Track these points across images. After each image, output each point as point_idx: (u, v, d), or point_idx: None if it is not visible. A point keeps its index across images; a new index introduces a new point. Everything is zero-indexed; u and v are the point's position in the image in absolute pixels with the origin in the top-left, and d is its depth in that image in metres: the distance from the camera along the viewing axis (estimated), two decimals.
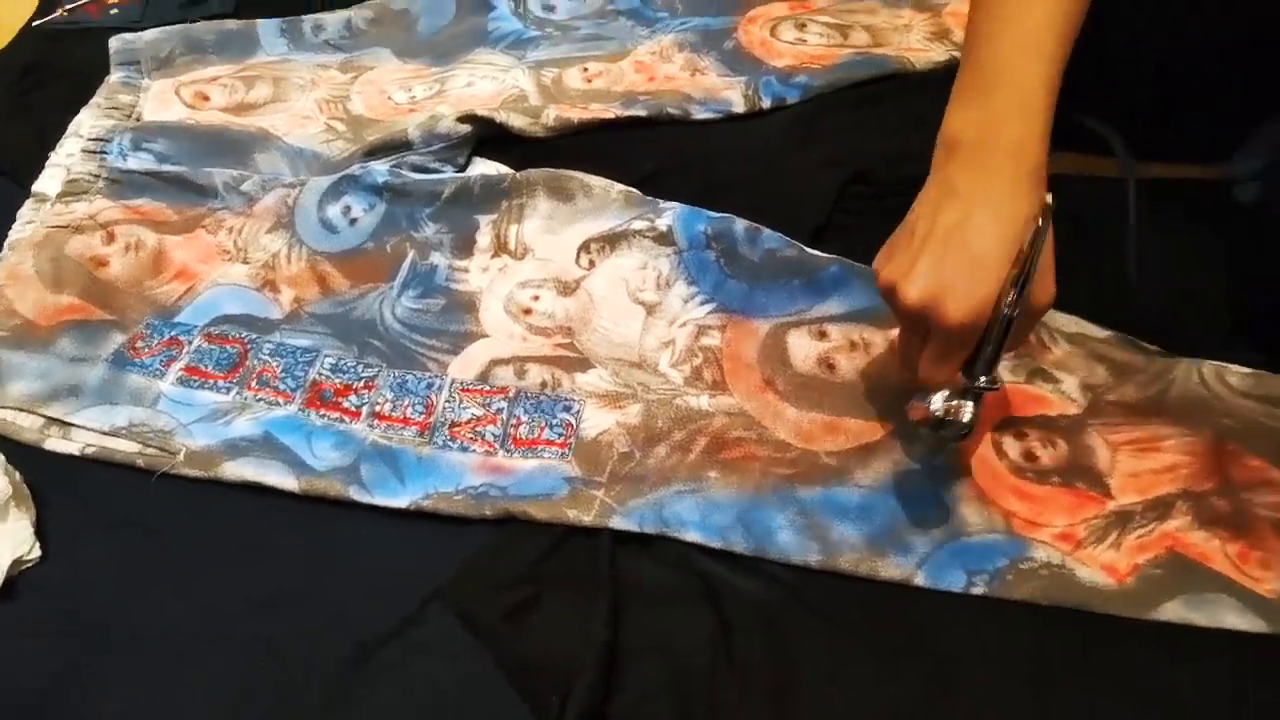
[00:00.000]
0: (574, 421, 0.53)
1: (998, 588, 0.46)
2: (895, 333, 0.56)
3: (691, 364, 0.56)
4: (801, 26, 0.79)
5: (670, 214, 0.61)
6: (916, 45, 0.77)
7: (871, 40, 0.77)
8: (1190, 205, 0.61)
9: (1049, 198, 0.43)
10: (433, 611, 0.47)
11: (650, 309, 0.58)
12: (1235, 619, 0.45)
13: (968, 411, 0.45)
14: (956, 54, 0.73)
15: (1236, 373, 0.53)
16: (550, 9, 0.83)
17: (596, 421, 0.53)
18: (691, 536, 0.48)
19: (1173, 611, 0.45)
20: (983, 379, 0.45)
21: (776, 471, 0.51)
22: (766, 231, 0.60)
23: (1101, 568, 0.47)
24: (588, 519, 0.49)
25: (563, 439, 0.52)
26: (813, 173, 0.65)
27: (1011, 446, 0.51)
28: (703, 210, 0.61)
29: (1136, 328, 0.56)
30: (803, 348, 0.56)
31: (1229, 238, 0.60)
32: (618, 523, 0.48)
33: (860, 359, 0.55)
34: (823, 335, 0.57)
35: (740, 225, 0.60)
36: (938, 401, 0.45)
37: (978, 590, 0.46)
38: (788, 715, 0.43)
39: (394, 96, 0.74)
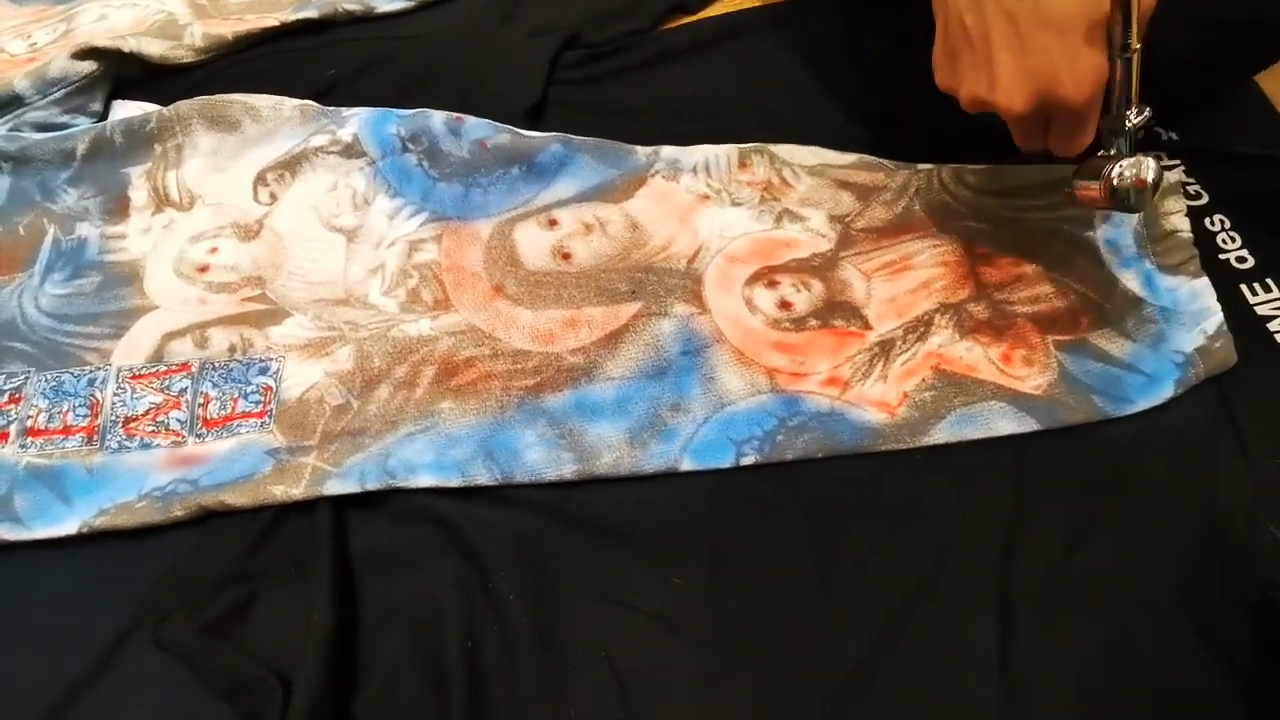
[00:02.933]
0: (273, 384, 0.45)
1: (769, 453, 0.42)
2: (631, 204, 0.51)
3: (406, 287, 0.48)
4: None
5: (354, 121, 0.52)
6: None
7: None
8: None
9: None
10: (133, 646, 0.39)
11: (350, 234, 0.50)
12: (1007, 424, 0.43)
13: (1149, 168, 0.39)
14: None
15: (973, 170, 0.50)
16: None
17: (300, 377, 0.45)
18: (424, 480, 0.41)
19: (945, 431, 0.43)
20: (1131, 113, 0.39)
21: (518, 385, 0.45)
22: (470, 120, 0.52)
23: (872, 404, 0.44)
24: (298, 492, 0.41)
25: (261, 407, 0.44)
26: (519, 48, 0.58)
27: (764, 298, 0.47)
28: (391, 110, 0.52)
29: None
30: (533, 241, 0.49)
31: None
32: (334, 487, 0.41)
33: (598, 240, 0.49)
34: (553, 224, 0.50)
35: (438, 118, 0.51)
36: (1116, 174, 0.39)
37: (748, 460, 0.42)
38: (558, 649, 0.38)
39: (8, 48, 0.61)
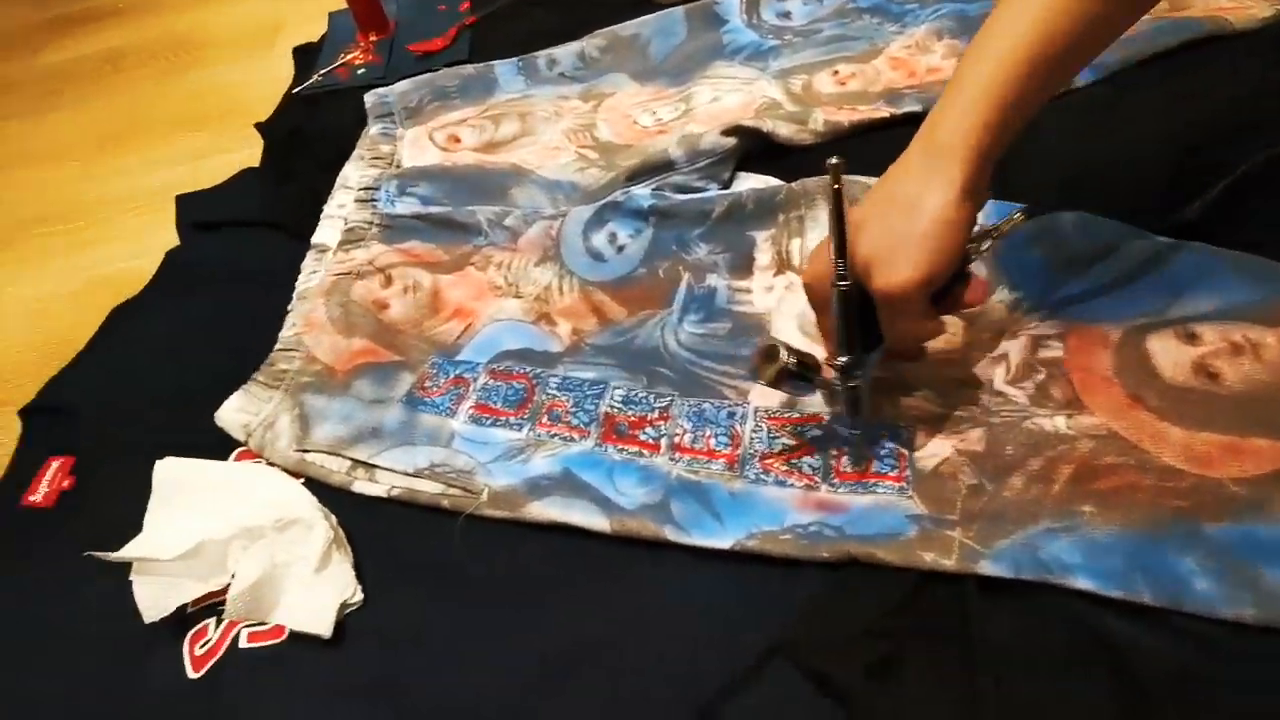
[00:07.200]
0: (905, 451, 0.47)
1: None
2: None
3: (1034, 380, 0.48)
4: None
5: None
6: (1229, 2, 0.66)
7: (1170, 4, 0.67)
8: None
9: (833, 159, 0.40)
10: (774, 668, 0.42)
11: (970, 319, 0.51)
12: None
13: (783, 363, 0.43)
14: None
15: None
16: (785, 15, 0.79)
17: (932, 449, 0.47)
18: (1081, 583, 0.40)
19: None
20: (840, 359, 0.44)
21: (1169, 504, 0.42)
22: (1101, 221, 0.51)
23: None
24: (949, 563, 0.42)
25: (896, 471, 0.46)
26: (1132, 157, 0.57)
27: None
28: (1013, 205, 0.53)
29: None
30: (1169, 354, 0.47)
31: None
32: (986, 568, 0.41)
33: (1250, 364, 0.46)
34: (1193, 338, 0.48)
35: (1068, 217, 0.52)
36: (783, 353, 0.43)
37: None
38: None
39: (639, 120, 0.73)
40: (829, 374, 0.45)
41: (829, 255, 0.42)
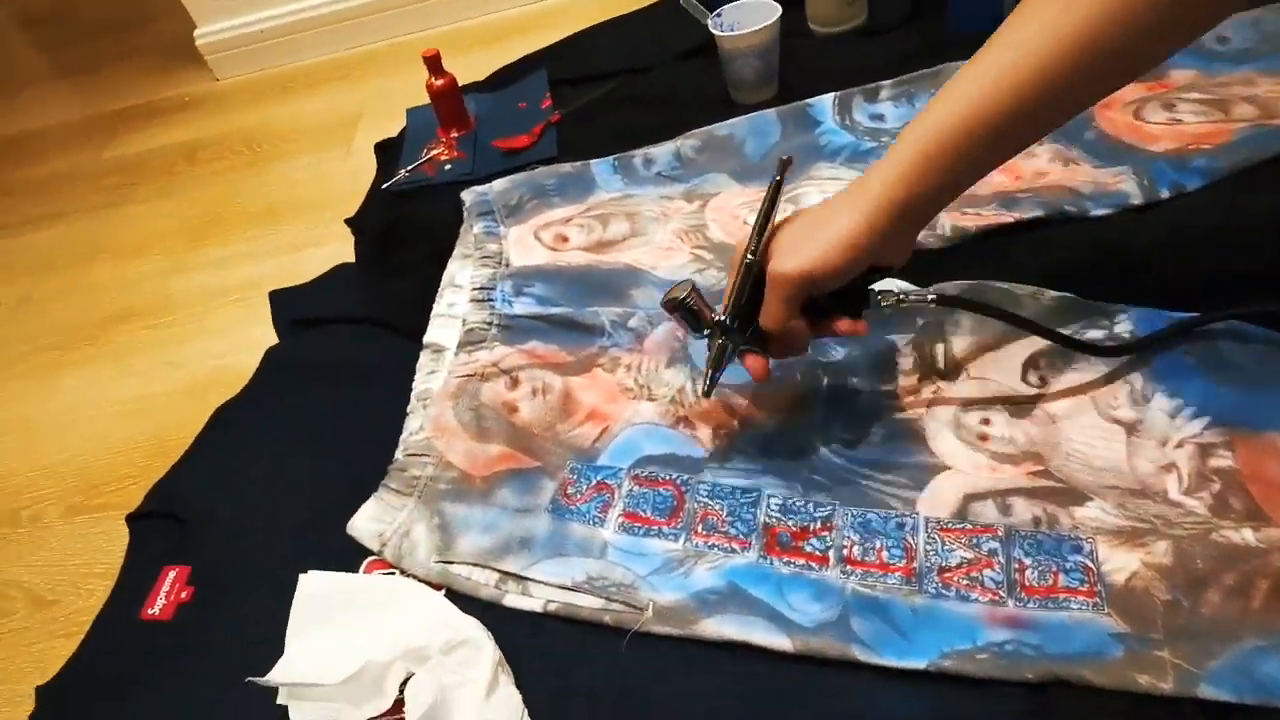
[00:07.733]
0: (1091, 565, 0.47)
1: None
2: None
3: (1210, 490, 0.48)
4: (1170, 106, 0.73)
5: (1127, 319, 0.55)
6: None
7: (1260, 112, 0.70)
8: None
9: (785, 156, 0.53)
10: None
11: (1130, 428, 0.52)
12: None
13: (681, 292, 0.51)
14: None
15: None
16: (879, 118, 0.81)
17: (1118, 563, 0.46)
18: None
19: None
20: (722, 316, 0.51)
21: None
22: (1252, 328, 0.52)
23: None
24: (1167, 687, 0.41)
25: (1087, 586, 0.46)
26: (1255, 258, 0.58)
27: None
28: (1163, 311, 0.55)
29: None
30: None
31: None
32: (1206, 692, 0.41)
33: None
34: None
35: (1217, 324, 0.53)
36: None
37: None
38: None
39: (749, 221, 0.74)
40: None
41: (753, 232, 0.50)
